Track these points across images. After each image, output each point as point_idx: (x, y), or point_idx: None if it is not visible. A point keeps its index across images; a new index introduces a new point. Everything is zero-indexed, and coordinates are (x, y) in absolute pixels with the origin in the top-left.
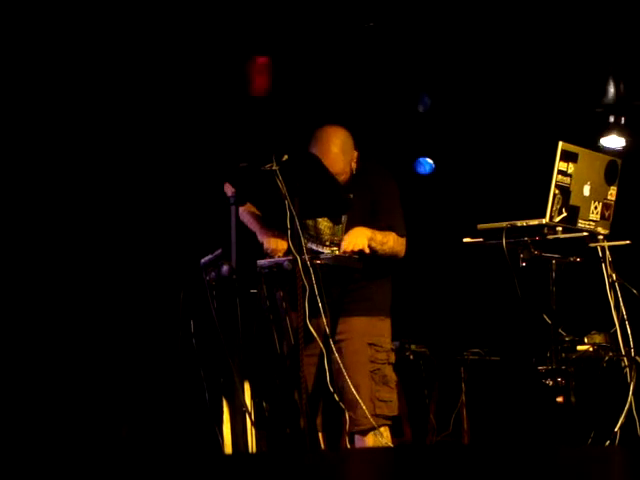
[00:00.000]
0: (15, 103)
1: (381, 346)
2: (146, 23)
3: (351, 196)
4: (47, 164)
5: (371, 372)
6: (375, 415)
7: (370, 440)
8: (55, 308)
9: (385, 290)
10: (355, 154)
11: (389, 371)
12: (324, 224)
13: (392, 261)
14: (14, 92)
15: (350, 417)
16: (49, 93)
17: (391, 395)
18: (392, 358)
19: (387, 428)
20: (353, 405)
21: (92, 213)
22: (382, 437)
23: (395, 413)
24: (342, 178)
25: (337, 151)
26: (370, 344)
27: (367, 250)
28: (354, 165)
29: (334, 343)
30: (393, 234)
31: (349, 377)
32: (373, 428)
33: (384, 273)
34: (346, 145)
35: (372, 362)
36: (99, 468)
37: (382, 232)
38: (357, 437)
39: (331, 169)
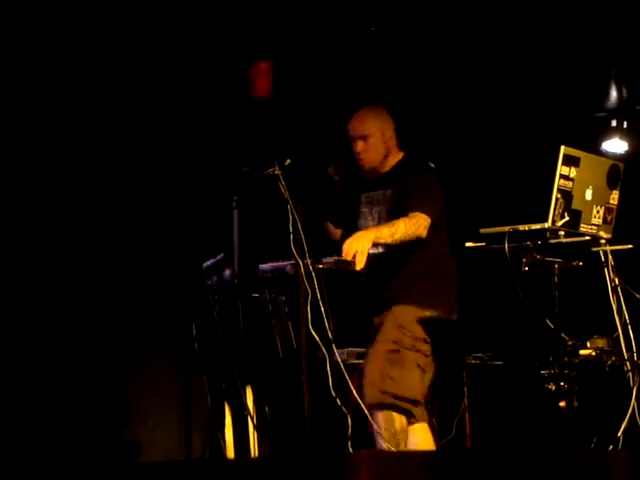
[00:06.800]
0: (24, 105)
1: (410, 331)
2: (149, 27)
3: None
4: (50, 167)
5: (388, 351)
6: (383, 392)
7: (381, 420)
8: (57, 311)
9: (433, 284)
10: (392, 135)
11: (412, 356)
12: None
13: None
14: (19, 93)
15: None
16: (53, 96)
17: (402, 374)
18: (423, 347)
19: (403, 417)
20: (365, 381)
21: (95, 217)
22: (394, 421)
23: (409, 394)
24: (371, 154)
25: (370, 113)
26: (399, 326)
27: (364, 255)
28: (391, 144)
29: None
30: (402, 220)
31: (369, 353)
32: (379, 405)
33: (434, 267)
34: (383, 117)
35: (394, 342)
36: (100, 470)
37: (387, 224)
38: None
39: (358, 129)
